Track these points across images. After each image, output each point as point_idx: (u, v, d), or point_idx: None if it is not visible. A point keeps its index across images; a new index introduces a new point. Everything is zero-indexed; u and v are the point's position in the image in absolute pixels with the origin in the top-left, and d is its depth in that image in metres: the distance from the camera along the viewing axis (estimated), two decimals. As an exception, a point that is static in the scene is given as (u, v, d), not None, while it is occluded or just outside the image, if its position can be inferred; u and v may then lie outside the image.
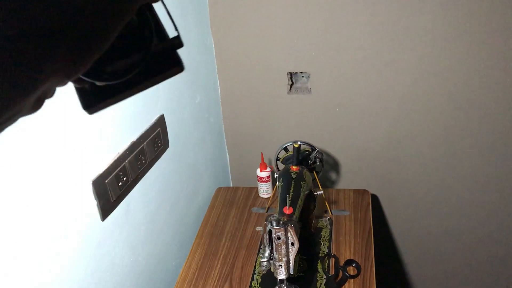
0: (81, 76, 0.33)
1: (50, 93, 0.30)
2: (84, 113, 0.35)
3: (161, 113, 1.12)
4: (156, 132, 1.08)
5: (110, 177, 0.90)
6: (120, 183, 0.94)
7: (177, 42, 0.35)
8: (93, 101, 0.34)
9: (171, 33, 0.36)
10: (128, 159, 0.96)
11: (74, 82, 0.34)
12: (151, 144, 1.06)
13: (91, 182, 0.85)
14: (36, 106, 0.29)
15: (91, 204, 0.86)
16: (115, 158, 0.92)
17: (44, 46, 0.26)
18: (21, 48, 0.25)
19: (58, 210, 0.78)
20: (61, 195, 0.78)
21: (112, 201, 0.92)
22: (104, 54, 0.30)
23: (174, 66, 0.35)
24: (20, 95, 0.26)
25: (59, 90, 0.30)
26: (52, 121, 0.74)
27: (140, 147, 1.01)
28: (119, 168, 0.93)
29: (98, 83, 0.34)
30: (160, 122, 1.11)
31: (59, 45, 0.27)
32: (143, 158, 1.03)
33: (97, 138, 0.87)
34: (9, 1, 0.24)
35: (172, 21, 0.36)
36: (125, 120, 0.96)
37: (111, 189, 0.91)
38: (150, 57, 0.34)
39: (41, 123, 0.72)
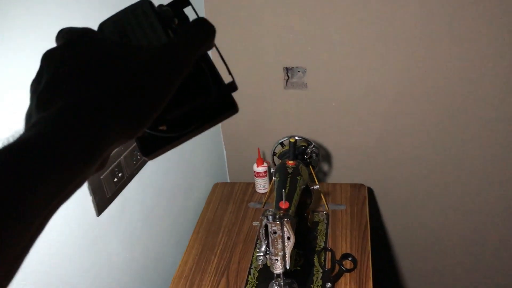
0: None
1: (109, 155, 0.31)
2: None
3: (156, 109, 1.11)
4: (151, 127, 1.08)
5: (106, 173, 0.90)
6: (116, 179, 0.94)
7: (233, 86, 0.36)
8: (152, 147, 0.35)
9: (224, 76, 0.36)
10: (124, 155, 0.96)
11: None
12: (147, 140, 1.06)
13: (86, 178, 0.85)
14: (100, 167, 0.30)
15: (87, 200, 0.86)
16: (111, 153, 0.92)
17: (99, 119, 0.27)
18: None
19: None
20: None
21: (108, 197, 0.92)
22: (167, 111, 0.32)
23: (229, 109, 0.36)
24: (83, 166, 0.27)
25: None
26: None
27: (135, 143, 1.01)
28: (114, 164, 0.93)
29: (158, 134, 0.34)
30: (156, 118, 1.11)
31: (114, 116, 0.28)
32: (138, 154, 1.03)
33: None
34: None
35: (226, 66, 0.36)
36: (120, 116, 0.95)
37: (106, 185, 0.91)
38: (208, 105, 0.35)
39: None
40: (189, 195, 1.39)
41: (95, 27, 0.36)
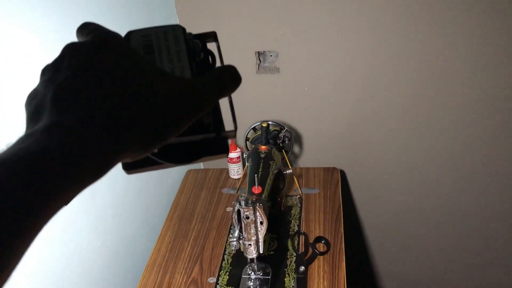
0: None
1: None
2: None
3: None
4: (120, 114, 1.06)
5: (73, 160, 0.88)
6: (84, 167, 0.92)
7: (233, 135, 0.37)
8: (135, 164, 0.34)
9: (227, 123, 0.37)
10: (91, 141, 0.94)
11: None
12: (116, 126, 1.04)
13: (52, 166, 0.82)
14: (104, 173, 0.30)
15: (53, 188, 0.84)
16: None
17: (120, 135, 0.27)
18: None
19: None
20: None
21: (76, 185, 0.90)
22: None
23: (221, 152, 0.36)
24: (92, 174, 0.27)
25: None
26: (9, 97, 0.71)
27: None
28: (82, 151, 0.91)
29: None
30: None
31: (134, 134, 0.27)
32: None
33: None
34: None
35: (233, 115, 0.37)
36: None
37: (74, 173, 0.88)
38: (204, 143, 0.35)
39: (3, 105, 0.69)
40: (161, 182, 1.38)
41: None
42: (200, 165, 1.72)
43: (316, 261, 1.12)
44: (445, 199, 1.61)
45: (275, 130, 1.32)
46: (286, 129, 1.30)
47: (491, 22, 1.25)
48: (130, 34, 0.36)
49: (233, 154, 1.43)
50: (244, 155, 1.23)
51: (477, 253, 1.73)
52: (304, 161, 1.63)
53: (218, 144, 0.36)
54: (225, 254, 1.17)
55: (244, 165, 1.47)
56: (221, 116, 0.37)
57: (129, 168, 0.35)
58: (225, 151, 0.37)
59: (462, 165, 1.52)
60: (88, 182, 0.26)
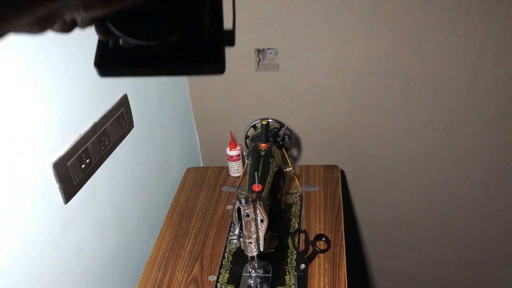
0: (109, 26, 0.29)
1: (59, 19, 0.26)
2: (95, 71, 0.30)
3: (124, 93, 1.09)
4: (119, 112, 1.05)
5: (72, 159, 0.87)
6: (83, 165, 0.92)
7: (230, 38, 0.31)
8: (110, 62, 0.30)
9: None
10: (91, 140, 0.94)
11: (99, 32, 0.30)
12: (115, 125, 1.04)
13: (52, 164, 0.82)
14: (38, 26, 0.25)
15: (53, 187, 0.84)
16: (77, 139, 0.89)
17: None
18: None
19: (17, 193, 0.75)
20: (19, 178, 0.75)
21: (76, 183, 0.90)
22: (143, 12, 0.27)
23: (214, 64, 0.30)
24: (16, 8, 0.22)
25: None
26: (7, 99, 0.71)
27: (103, 128, 0.98)
28: (81, 150, 0.90)
29: (123, 43, 0.30)
30: (124, 102, 1.08)
31: None
32: (106, 139, 1.00)
33: (56, 118, 0.84)
34: None
35: (234, 13, 0.32)
36: (85, 100, 0.92)
37: (73, 172, 0.88)
38: (194, 32, 0.30)
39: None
40: (161, 181, 1.37)
41: None
42: (199, 163, 1.72)
43: (316, 259, 1.12)
44: (444, 197, 1.61)
45: (275, 127, 1.31)
46: (286, 127, 1.30)
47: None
48: None
49: (232, 152, 1.42)
50: (244, 153, 1.23)
51: (476, 251, 1.73)
52: (304, 159, 1.63)
53: (212, 53, 0.30)
54: (226, 252, 1.17)
55: (243, 163, 1.47)
56: (221, 17, 0.31)
57: (102, 66, 0.30)
58: (221, 61, 0.30)
59: (463, 162, 1.52)
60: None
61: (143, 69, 0.30)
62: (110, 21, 0.29)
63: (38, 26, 0.25)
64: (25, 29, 0.24)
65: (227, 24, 0.33)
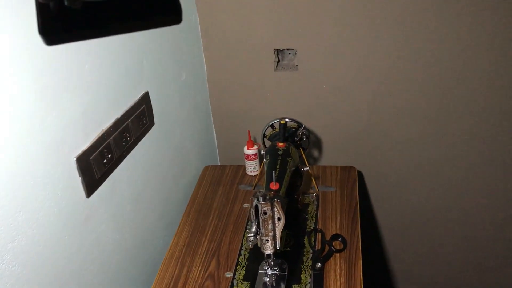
0: None
1: None
2: (41, 39, 0.27)
3: (145, 90, 1.10)
4: (141, 109, 1.07)
5: (95, 154, 0.89)
6: (105, 160, 0.94)
7: None
8: (56, 26, 0.26)
9: None
10: (113, 136, 0.95)
11: None
12: (136, 121, 1.05)
13: (75, 158, 0.84)
14: None
15: (76, 180, 0.86)
16: (100, 135, 0.91)
17: None
18: None
19: (42, 186, 0.77)
20: (44, 171, 0.77)
21: (97, 178, 0.92)
22: None
23: (169, 13, 0.27)
24: None
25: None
26: (34, 95, 0.73)
27: (125, 124, 1.00)
28: (104, 145, 0.92)
29: (68, 2, 0.26)
30: (145, 99, 1.10)
31: None
32: (128, 135, 1.02)
33: (80, 113, 0.86)
34: None
35: None
36: (108, 96, 0.94)
37: (95, 166, 0.90)
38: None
39: (24, 98, 0.70)
40: (179, 178, 1.39)
41: None
42: (217, 161, 1.74)
43: (332, 258, 1.12)
44: (463, 200, 1.59)
45: (292, 127, 1.32)
46: (304, 127, 1.30)
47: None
48: None
49: (250, 151, 1.43)
50: (262, 152, 1.24)
51: (495, 255, 1.71)
52: (322, 160, 1.63)
53: (164, 2, 0.27)
54: (242, 249, 1.18)
55: (260, 162, 1.47)
56: None
57: (48, 33, 0.27)
58: (174, 12, 0.27)
59: (484, 166, 1.50)
60: None
61: (95, 30, 0.27)
62: None
63: None
64: None
65: None
